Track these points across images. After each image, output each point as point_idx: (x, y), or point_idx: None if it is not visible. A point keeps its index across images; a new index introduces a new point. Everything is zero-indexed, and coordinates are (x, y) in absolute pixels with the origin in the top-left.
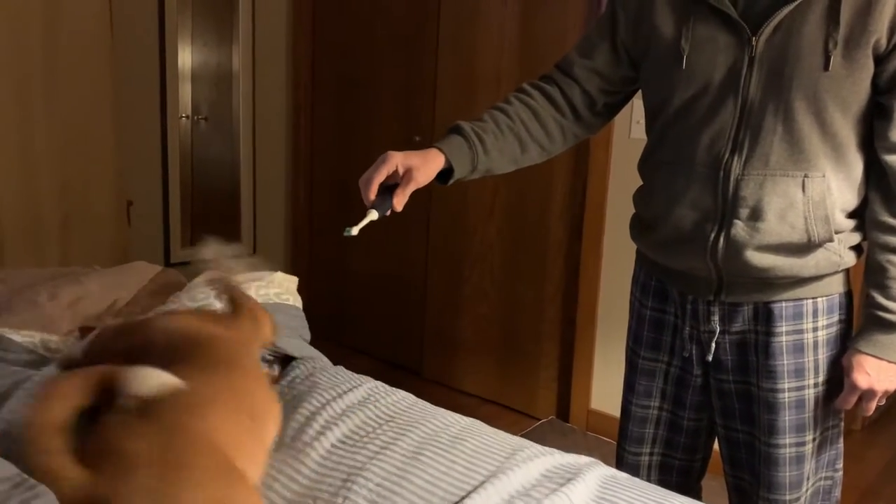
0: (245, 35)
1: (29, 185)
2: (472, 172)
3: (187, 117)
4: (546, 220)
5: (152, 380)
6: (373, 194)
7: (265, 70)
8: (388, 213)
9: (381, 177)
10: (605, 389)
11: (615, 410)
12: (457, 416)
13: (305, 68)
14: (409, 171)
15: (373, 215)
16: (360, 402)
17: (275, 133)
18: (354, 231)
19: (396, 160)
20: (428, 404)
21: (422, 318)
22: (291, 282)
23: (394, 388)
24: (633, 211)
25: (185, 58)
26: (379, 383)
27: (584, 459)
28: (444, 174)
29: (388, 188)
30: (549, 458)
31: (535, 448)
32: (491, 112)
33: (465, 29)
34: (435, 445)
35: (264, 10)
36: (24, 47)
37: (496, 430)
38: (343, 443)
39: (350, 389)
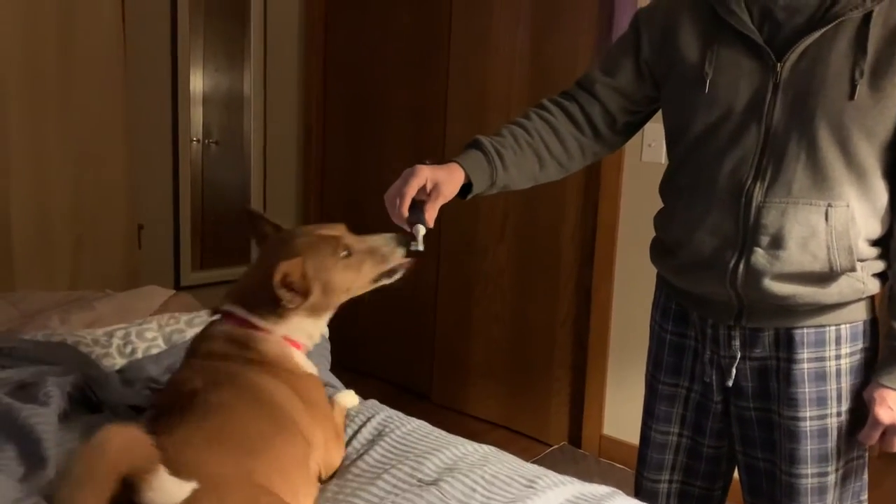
0: (256, 59)
1: (41, 207)
2: (490, 187)
3: (198, 141)
4: (557, 244)
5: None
6: (406, 209)
7: (276, 93)
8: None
9: (413, 191)
10: (618, 415)
11: (628, 436)
12: (474, 445)
13: (316, 92)
14: (436, 186)
15: (422, 229)
16: (376, 432)
17: (286, 156)
18: (421, 246)
19: (426, 174)
20: (443, 433)
21: (432, 341)
22: None
23: (409, 417)
24: (644, 234)
25: (197, 82)
26: (394, 412)
27: (604, 489)
28: (463, 188)
29: (414, 204)
30: (570, 488)
31: (555, 476)
32: (510, 127)
33: (475, 51)
34: (453, 474)
35: (276, 34)
36: (38, 70)
37: (514, 457)
38: (359, 476)
39: (366, 421)
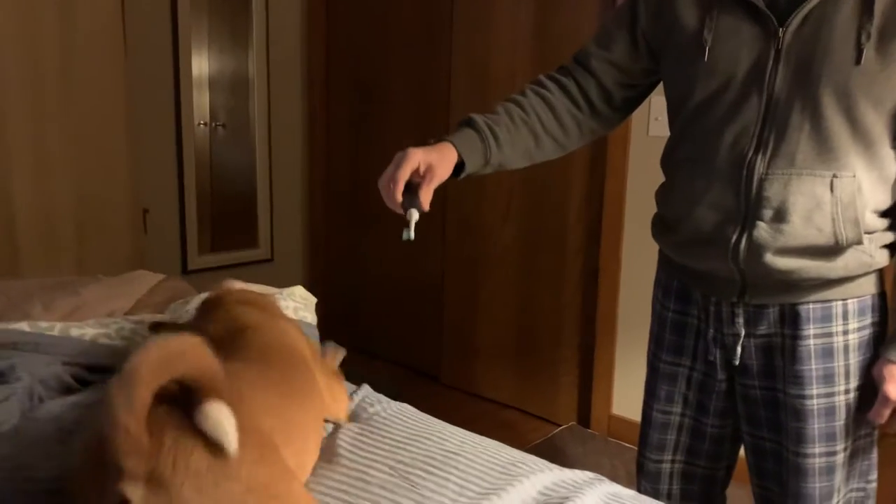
0: (259, 41)
1: (44, 193)
2: (484, 167)
3: (205, 124)
4: (563, 222)
5: (222, 426)
6: (400, 193)
7: (280, 75)
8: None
9: (406, 175)
10: (627, 394)
11: (637, 416)
12: (455, 430)
13: (319, 73)
14: (430, 168)
15: (416, 215)
16: (355, 414)
17: (291, 138)
18: (412, 235)
19: (418, 157)
20: (427, 416)
21: (440, 322)
22: (310, 300)
23: (390, 401)
24: (652, 210)
25: (202, 65)
26: (377, 395)
27: (586, 475)
28: (457, 168)
29: (409, 187)
30: (549, 475)
31: (535, 463)
32: (505, 105)
33: (478, 30)
34: (427, 464)
35: (278, 15)
36: (37, 57)
37: (497, 443)
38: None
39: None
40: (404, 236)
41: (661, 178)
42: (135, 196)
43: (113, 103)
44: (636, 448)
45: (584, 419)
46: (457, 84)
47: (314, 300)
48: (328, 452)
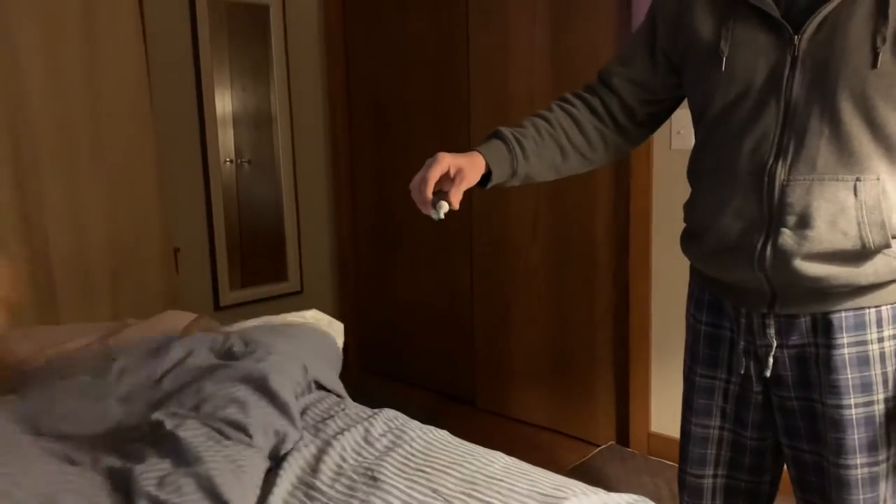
0: (280, 76)
1: (78, 238)
2: (511, 178)
3: (231, 161)
4: (591, 239)
5: None
6: (430, 192)
7: (302, 109)
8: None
9: (436, 175)
10: (666, 411)
11: (676, 433)
12: (496, 455)
13: (340, 104)
14: (459, 171)
15: (445, 206)
16: (394, 441)
17: (315, 170)
18: (441, 215)
19: (447, 160)
20: (464, 442)
21: (472, 346)
22: (322, 319)
23: (430, 427)
24: (678, 223)
25: (225, 102)
26: (415, 423)
27: (629, 498)
28: (484, 178)
29: (436, 194)
30: (591, 499)
31: (577, 487)
32: (532, 119)
33: (494, 50)
34: (470, 488)
35: (297, 49)
36: (67, 105)
37: (538, 469)
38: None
39: (387, 431)
40: (433, 216)
41: (686, 191)
42: (166, 236)
43: (141, 146)
44: (678, 465)
45: (623, 438)
46: (476, 106)
47: (327, 319)
48: (371, 476)
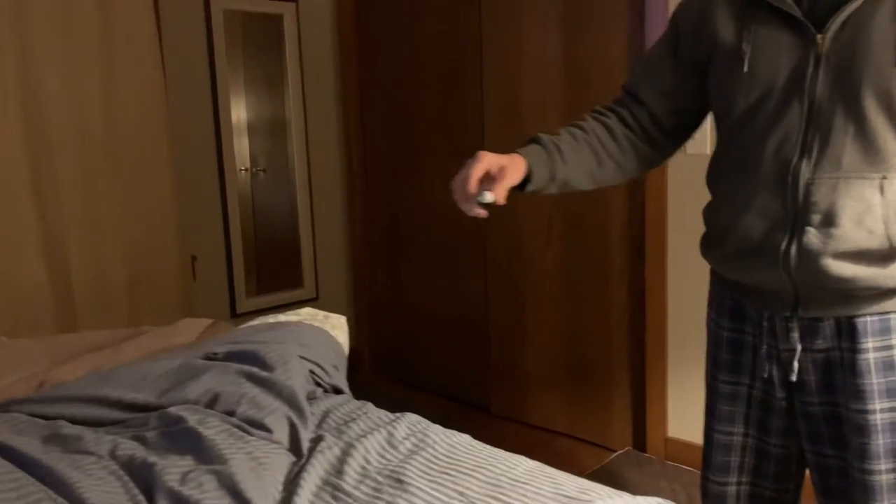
0: (294, 85)
1: (96, 248)
2: (550, 182)
3: (246, 170)
4: (606, 245)
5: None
6: (473, 187)
7: (316, 117)
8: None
9: (478, 173)
10: (683, 416)
11: (694, 437)
12: (520, 458)
13: (354, 112)
14: (502, 169)
15: (489, 196)
16: (417, 445)
17: (330, 178)
18: (487, 199)
19: (489, 158)
20: (486, 446)
21: (486, 353)
22: (317, 316)
23: (452, 431)
24: (694, 227)
25: (240, 112)
26: (437, 427)
27: (653, 501)
28: (522, 183)
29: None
30: (619, 501)
31: (602, 490)
32: (566, 127)
33: (507, 58)
34: (496, 491)
35: (311, 58)
36: (83, 115)
37: (562, 472)
38: (398, 488)
39: (410, 435)
40: (473, 212)
41: (702, 195)
42: (183, 244)
43: (158, 155)
44: (696, 470)
45: (640, 443)
46: (489, 114)
47: (322, 314)
48: (396, 478)
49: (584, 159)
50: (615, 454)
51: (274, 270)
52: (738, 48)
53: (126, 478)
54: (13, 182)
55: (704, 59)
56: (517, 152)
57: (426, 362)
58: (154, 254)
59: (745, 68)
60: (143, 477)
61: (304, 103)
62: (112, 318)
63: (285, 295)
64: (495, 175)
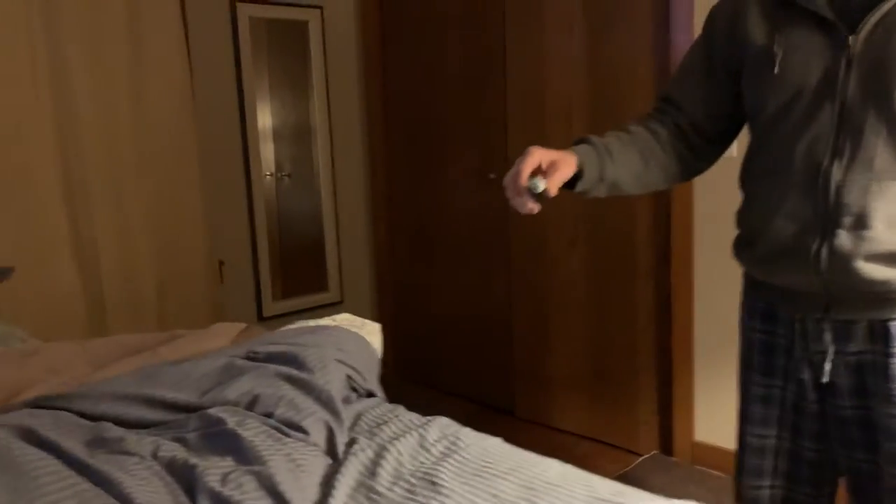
0: (319, 91)
1: (126, 254)
2: (599, 182)
3: (272, 175)
4: (631, 248)
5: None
6: (524, 179)
7: (341, 123)
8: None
9: (528, 168)
10: (710, 420)
11: (721, 441)
12: (552, 462)
13: (379, 116)
14: (553, 163)
15: (541, 184)
16: (450, 448)
17: (354, 182)
18: (541, 187)
19: (540, 153)
20: (518, 449)
21: (510, 355)
22: (370, 324)
23: (485, 435)
24: (720, 230)
25: (266, 118)
26: (469, 430)
27: None
28: (571, 182)
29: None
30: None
31: (637, 494)
32: (612, 131)
33: (532, 62)
34: (530, 493)
35: (335, 64)
36: (113, 121)
37: (595, 476)
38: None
39: (442, 438)
40: (524, 205)
41: (728, 197)
42: (210, 249)
43: (186, 161)
44: (723, 475)
45: (667, 447)
46: (513, 118)
47: (360, 321)
48: (430, 480)
49: (632, 161)
50: (641, 458)
51: (299, 274)
52: (769, 50)
53: (169, 478)
54: (45, 188)
55: (737, 63)
56: (568, 150)
57: (450, 365)
58: (182, 258)
59: (777, 70)
60: (184, 478)
61: (328, 109)
62: (141, 323)
63: (310, 299)
64: (546, 169)
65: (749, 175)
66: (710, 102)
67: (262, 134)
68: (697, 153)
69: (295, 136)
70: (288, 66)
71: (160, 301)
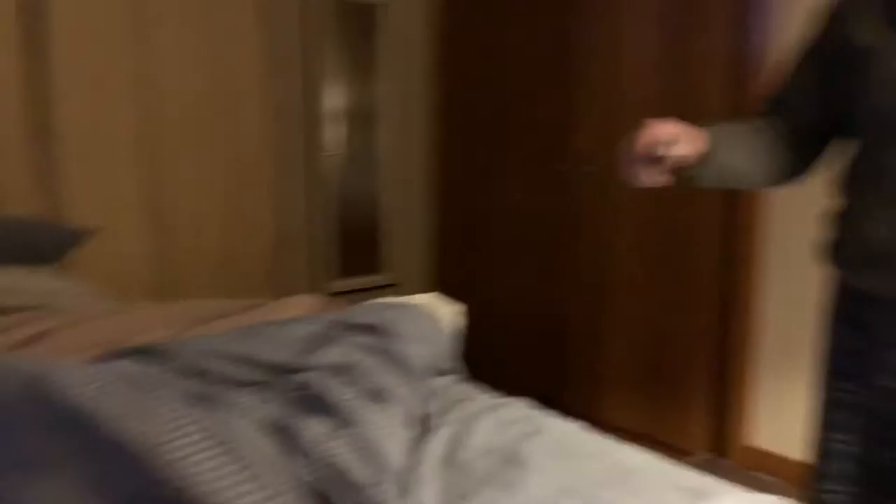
0: (384, 74)
1: (198, 225)
2: (708, 166)
3: (334, 155)
4: (695, 248)
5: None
6: (639, 151)
7: (404, 107)
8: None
9: (646, 138)
10: (767, 425)
11: (776, 447)
12: (631, 448)
13: (443, 103)
14: (685, 134)
15: (666, 148)
16: (530, 427)
17: (413, 167)
18: (669, 152)
19: (659, 125)
20: (597, 435)
21: (563, 350)
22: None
23: (563, 418)
24: (787, 232)
25: (330, 98)
26: (545, 411)
27: (774, 499)
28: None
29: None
30: (744, 496)
31: (719, 485)
32: (716, 124)
33: (602, 59)
34: (619, 476)
35: (401, 49)
36: (190, 94)
37: (671, 465)
38: (508, 469)
39: (522, 418)
40: (637, 181)
41: (794, 198)
42: (275, 225)
43: (257, 140)
44: (774, 479)
45: (719, 450)
46: (578, 112)
47: (443, 301)
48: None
49: (738, 149)
50: (693, 459)
51: (355, 255)
52: (871, 50)
53: (271, 437)
54: (123, 151)
55: (843, 64)
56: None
57: (501, 359)
58: (248, 234)
59: (883, 73)
60: (285, 435)
61: (392, 93)
62: (209, 293)
63: (365, 279)
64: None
65: (851, 179)
66: (816, 105)
67: (327, 114)
68: (803, 156)
69: (358, 118)
70: (355, 48)
71: (226, 274)
